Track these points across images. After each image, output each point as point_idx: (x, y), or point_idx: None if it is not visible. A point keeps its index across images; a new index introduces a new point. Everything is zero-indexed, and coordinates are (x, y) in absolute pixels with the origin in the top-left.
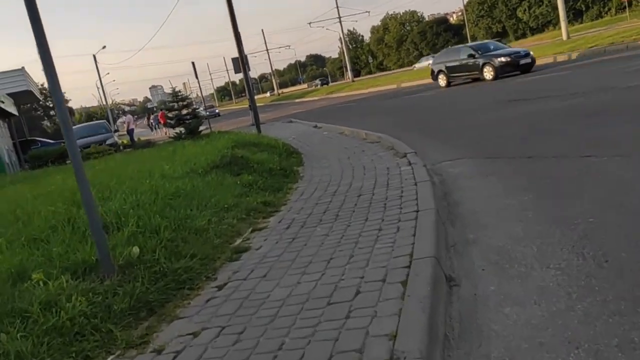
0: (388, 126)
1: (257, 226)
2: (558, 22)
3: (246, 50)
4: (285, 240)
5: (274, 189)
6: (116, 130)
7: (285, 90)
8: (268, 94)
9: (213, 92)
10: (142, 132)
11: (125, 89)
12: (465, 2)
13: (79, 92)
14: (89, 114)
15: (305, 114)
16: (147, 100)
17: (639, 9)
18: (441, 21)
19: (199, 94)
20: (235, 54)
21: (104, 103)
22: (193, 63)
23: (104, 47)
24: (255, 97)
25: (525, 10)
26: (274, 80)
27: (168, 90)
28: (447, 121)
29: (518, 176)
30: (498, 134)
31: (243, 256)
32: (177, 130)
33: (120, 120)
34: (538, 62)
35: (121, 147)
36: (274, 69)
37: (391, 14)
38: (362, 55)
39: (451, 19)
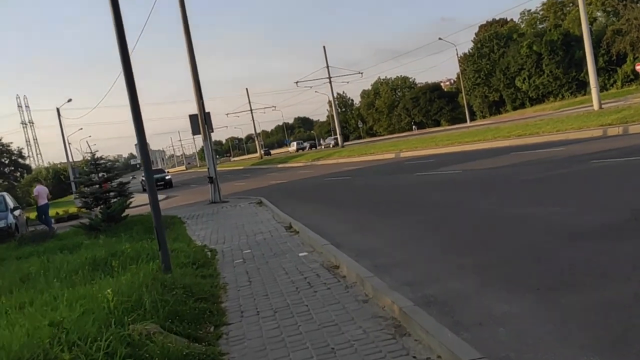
0: (433, 261)
1: None
2: (559, 92)
3: (229, 110)
4: None
5: None
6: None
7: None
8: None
9: (195, 151)
10: None
11: (109, 145)
12: (460, 70)
13: (53, 147)
14: (57, 172)
15: (284, 189)
16: (132, 156)
17: None
18: (435, 88)
19: (183, 152)
20: (222, 109)
21: (73, 159)
22: None
23: (70, 100)
24: (237, 158)
25: (524, 79)
26: (257, 142)
27: (154, 147)
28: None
29: None
30: None
31: None
32: (94, 213)
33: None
34: (586, 134)
35: (16, 234)
36: (261, 129)
37: (382, 79)
38: (352, 120)
39: (449, 83)
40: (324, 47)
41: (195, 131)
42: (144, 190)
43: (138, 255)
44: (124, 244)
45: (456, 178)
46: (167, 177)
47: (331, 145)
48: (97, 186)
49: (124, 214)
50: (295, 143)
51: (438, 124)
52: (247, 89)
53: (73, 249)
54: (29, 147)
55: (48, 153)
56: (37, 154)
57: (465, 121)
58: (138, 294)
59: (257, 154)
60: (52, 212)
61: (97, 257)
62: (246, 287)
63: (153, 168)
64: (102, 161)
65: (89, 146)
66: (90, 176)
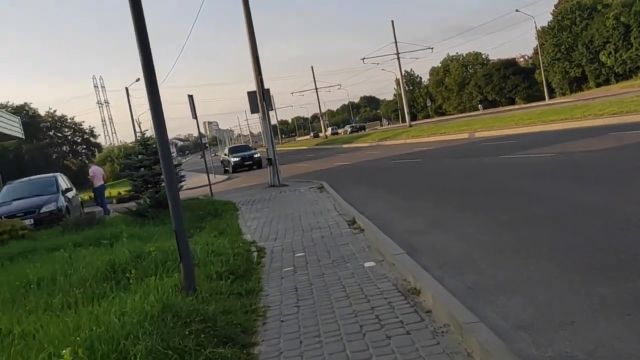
0: (554, 285)
1: None
2: None
3: (293, 88)
4: None
5: None
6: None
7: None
8: (311, 135)
9: (261, 131)
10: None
11: (181, 124)
12: (538, 44)
13: (124, 126)
14: (127, 150)
15: (348, 172)
16: (202, 135)
17: None
18: (509, 64)
19: (249, 132)
20: (287, 88)
21: (143, 138)
22: (190, 97)
23: (138, 79)
24: (301, 138)
25: (610, 53)
26: (322, 122)
27: (223, 127)
28: None
29: None
30: None
31: None
32: (139, 201)
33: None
34: None
35: (67, 217)
36: (327, 109)
37: (452, 55)
38: (420, 98)
39: (523, 60)
40: (392, 21)
41: (254, 109)
42: (225, 171)
43: (165, 260)
44: (151, 243)
45: (550, 163)
46: (255, 156)
47: (349, 132)
48: (145, 169)
49: None
50: (330, 128)
51: (512, 102)
52: (312, 67)
53: (110, 241)
54: (105, 127)
55: (121, 132)
56: (112, 133)
57: (543, 99)
58: (132, 339)
59: (308, 136)
60: (114, 192)
61: (117, 261)
62: (292, 316)
63: (232, 145)
64: (151, 142)
65: (140, 126)
66: (139, 157)
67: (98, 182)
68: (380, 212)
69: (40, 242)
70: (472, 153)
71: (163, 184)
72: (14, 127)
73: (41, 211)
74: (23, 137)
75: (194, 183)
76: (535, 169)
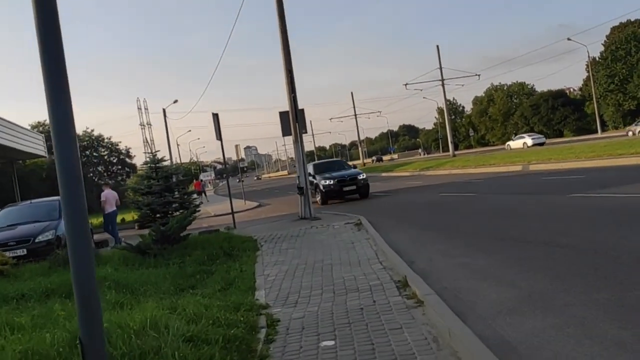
0: None
1: None
2: None
3: (332, 114)
4: None
5: None
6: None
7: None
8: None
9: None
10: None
11: (219, 147)
12: (590, 74)
13: (163, 148)
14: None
15: (389, 206)
16: (240, 159)
17: None
18: (558, 95)
19: (285, 157)
20: (325, 115)
21: (181, 161)
22: (215, 115)
23: (176, 101)
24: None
25: None
26: (360, 149)
27: (262, 152)
28: None
29: None
30: None
31: None
32: (146, 234)
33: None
34: None
35: (62, 249)
36: (365, 136)
37: (497, 85)
38: (462, 128)
39: (569, 92)
40: (437, 46)
41: (285, 131)
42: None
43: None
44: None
45: None
46: (360, 177)
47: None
48: (154, 196)
49: (184, 233)
50: (375, 156)
51: (561, 135)
52: (352, 92)
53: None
54: (146, 148)
55: (162, 154)
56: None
57: (594, 132)
58: None
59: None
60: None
61: (35, 352)
62: None
63: (318, 162)
64: (163, 164)
65: (150, 147)
66: (148, 183)
67: (110, 208)
68: (442, 271)
69: (12, 285)
70: (536, 189)
71: (174, 214)
72: (37, 146)
73: (36, 240)
74: (47, 155)
75: (222, 209)
76: (634, 215)
